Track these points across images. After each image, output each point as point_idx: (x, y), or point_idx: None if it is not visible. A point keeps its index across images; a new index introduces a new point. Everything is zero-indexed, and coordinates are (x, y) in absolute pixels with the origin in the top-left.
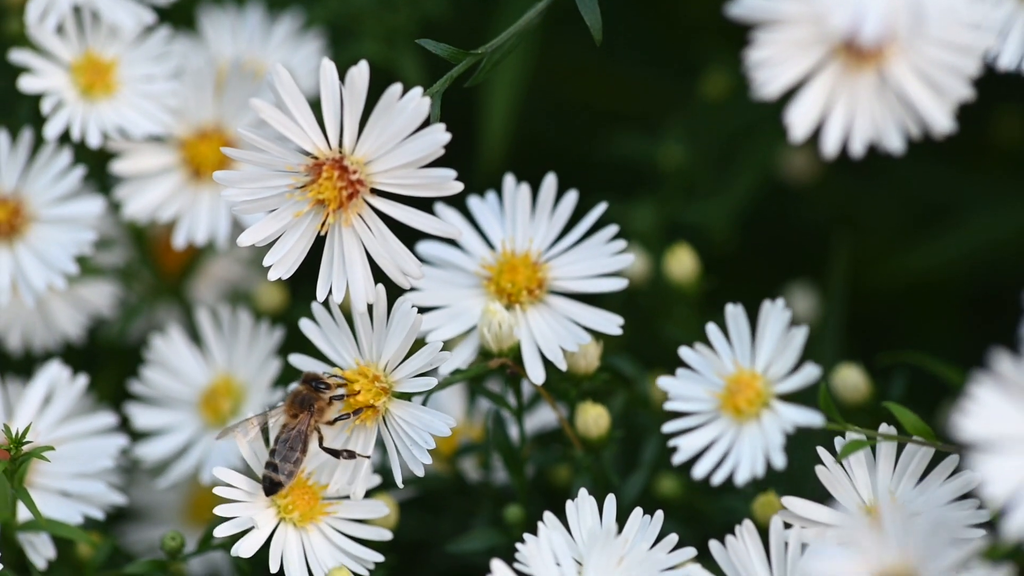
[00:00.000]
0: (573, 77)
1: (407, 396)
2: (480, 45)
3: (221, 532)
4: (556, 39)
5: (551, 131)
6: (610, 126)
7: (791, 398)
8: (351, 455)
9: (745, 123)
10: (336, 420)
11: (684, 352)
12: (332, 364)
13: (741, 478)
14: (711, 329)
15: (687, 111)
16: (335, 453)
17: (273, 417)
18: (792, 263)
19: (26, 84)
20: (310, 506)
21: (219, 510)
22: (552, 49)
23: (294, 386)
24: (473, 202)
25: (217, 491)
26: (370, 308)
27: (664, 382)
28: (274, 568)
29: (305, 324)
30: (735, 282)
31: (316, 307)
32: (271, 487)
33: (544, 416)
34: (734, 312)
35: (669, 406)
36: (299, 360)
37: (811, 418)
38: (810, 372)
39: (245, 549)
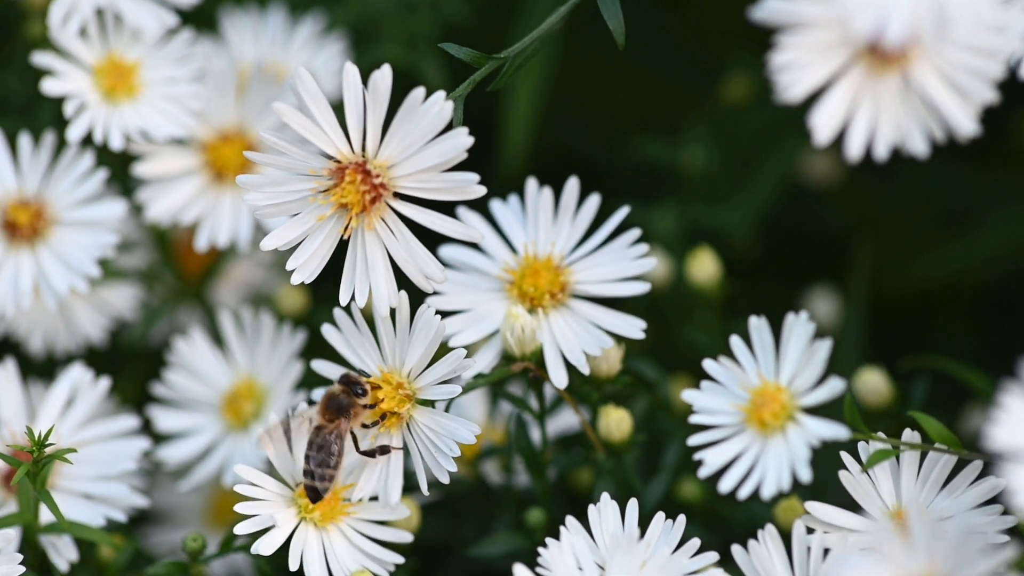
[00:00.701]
0: (595, 80)
1: (431, 403)
2: (502, 49)
3: (241, 530)
4: (578, 42)
5: (573, 134)
6: (632, 129)
7: (816, 410)
8: (385, 450)
9: (767, 126)
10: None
11: (708, 365)
12: (356, 370)
13: (767, 492)
14: (735, 342)
15: (709, 114)
16: (371, 454)
17: (298, 420)
18: (814, 267)
19: (49, 87)
20: (331, 506)
21: (240, 507)
22: (574, 52)
23: (328, 389)
24: (495, 206)
25: (238, 489)
26: (392, 314)
27: (689, 395)
28: (294, 566)
29: (328, 330)
30: (757, 286)
31: (338, 313)
32: (314, 496)
33: (566, 419)
34: (758, 325)
35: (694, 419)
36: (322, 366)
37: (837, 431)
38: (835, 385)
39: (265, 548)
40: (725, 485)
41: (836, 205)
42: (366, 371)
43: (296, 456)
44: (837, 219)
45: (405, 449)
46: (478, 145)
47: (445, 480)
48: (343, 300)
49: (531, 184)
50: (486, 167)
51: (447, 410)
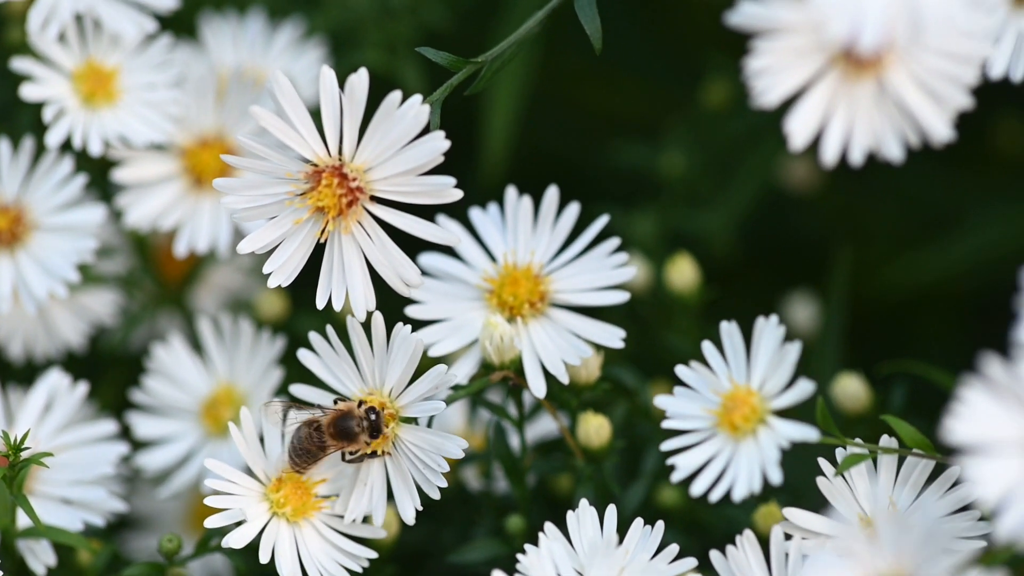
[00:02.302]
0: (575, 83)
1: (414, 420)
2: (480, 54)
3: (212, 523)
4: (558, 45)
5: (552, 137)
6: (612, 133)
7: (790, 413)
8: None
9: (746, 131)
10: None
11: (681, 370)
12: (335, 392)
13: (738, 494)
14: (706, 347)
15: (688, 119)
16: (359, 459)
17: (297, 420)
18: (793, 271)
19: (28, 92)
20: (303, 501)
21: (211, 501)
22: (554, 55)
23: (347, 405)
24: (474, 213)
25: (208, 482)
26: (368, 327)
27: (661, 401)
28: (264, 559)
29: (304, 355)
30: (736, 291)
31: (314, 337)
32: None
33: (545, 426)
34: (729, 329)
35: (667, 424)
36: (302, 390)
37: (807, 433)
38: (804, 387)
39: (235, 541)
40: (697, 488)
41: (815, 210)
42: (345, 393)
43: (269, 448)
44: (816, 224)
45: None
46: (458, 150)
47: (436, 496)
48: (320, 304)
49: (510, 192)
50: (466, 172)
51: (430, 425)
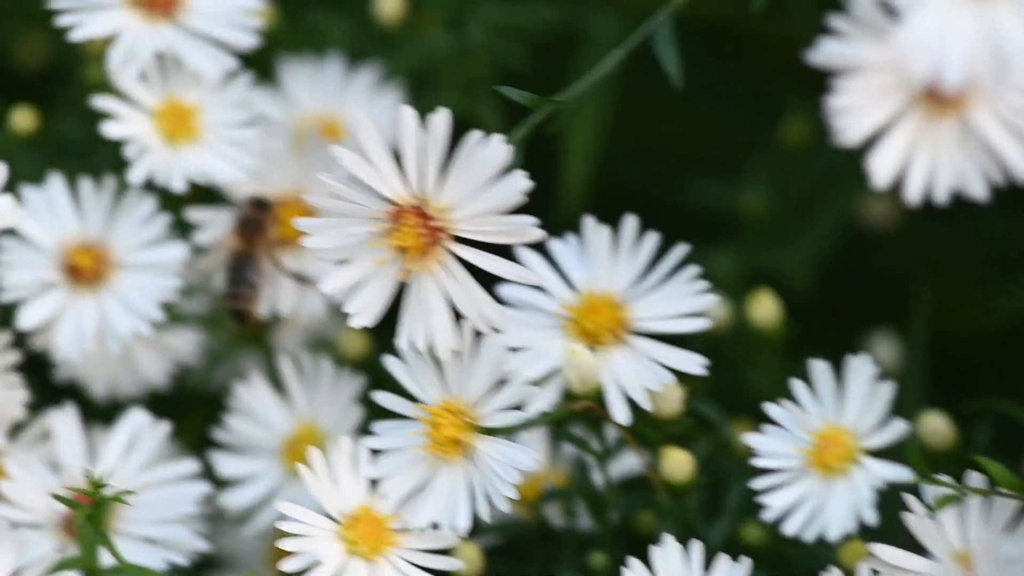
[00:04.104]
0: (652, 119)
1: (492, 432)
2: (558, 92)
3: (287, 568)
4: (635, 81)
5: (629, 173)
6: (690, 170)
7: (879, 452)
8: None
9: (826, 168)
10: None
11: (771, 408)
12: (417, 401)
13: (833, 535)
14: (797, 385)
15: (767, 156)
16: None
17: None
18: (873, 309)
19: (109, 130)
20: (379, 537)
21: (284, 544)
22: (631, 91)
23: (237, 212)
24: (554, 244)
25: (281, 526)
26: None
27: (751, 439)
28: None
29: (390, 361)
30: (817, 329)
31: (402, 345)
32: (240, 318)
33: (628, 462)
34: (820, 368)
35: (757, 463)
36: (385, 398)
37: (901, 473)
38: (898, 427)
39: None
40: (790, 528)
41: (895, 247)
42: (427, 401)
43: (343, 487)
44: (897, 261)
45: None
46: (536, 185)
47: (506, 509)
48: (401, 344)
49: (589, 221)
50: (544, 207)
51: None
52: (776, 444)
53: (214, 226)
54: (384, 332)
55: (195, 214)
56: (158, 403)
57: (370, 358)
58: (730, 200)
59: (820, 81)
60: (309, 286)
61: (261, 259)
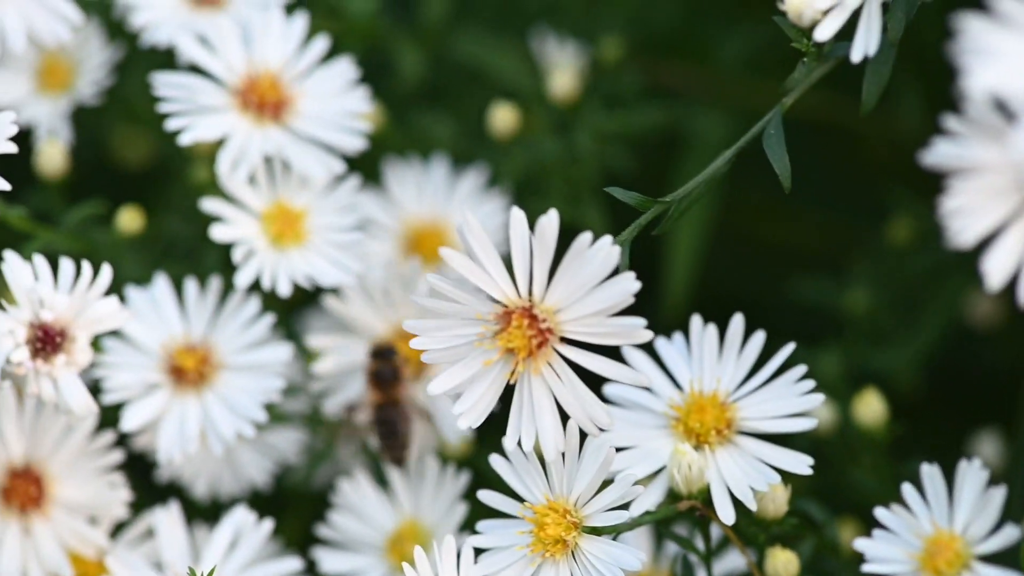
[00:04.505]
0: (755, 217)
1: (597, 531)
2: (661, 193)
3: None
4: (738, 179)
5: (732, 271)
6: (793, 267)
7: (990, 558)
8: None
9: (931, 266)
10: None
11: (880, 513)
12: (521, 500)
13: None
14: (907, 490)
15: (872, 255)
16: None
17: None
18: (979, 407)
19: (218, 233)
20: None
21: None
22: (736, 189)
23: (366, 369)
24: (660, 343)
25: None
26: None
27: (861, 544)
28: None
29: (495, 460)
30: (923, 427)
31: (508, 443)
32: (398, 463)
33: (732, 561)
34: (930, 472)
35: (867, 568)
36: (488, 496)
37: None
38: (1011, 533)
39: None
40: None
41: (1001, 344)
42: (532, 500)
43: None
44: (1002, 358)
45: None
46: (641, 283)
47: None
48: (509, 446)
49: (696, 321)
50: (648, 305)
51: (614, 539)
52: (886, 549)
53: (338, 352)
54: (487, 429)
55: (318, 340)
56: (260, 501)
57: (473, 456)
58: (834, 299)
59: (926, 179)
60: (435, 421)
61: (402, 404)
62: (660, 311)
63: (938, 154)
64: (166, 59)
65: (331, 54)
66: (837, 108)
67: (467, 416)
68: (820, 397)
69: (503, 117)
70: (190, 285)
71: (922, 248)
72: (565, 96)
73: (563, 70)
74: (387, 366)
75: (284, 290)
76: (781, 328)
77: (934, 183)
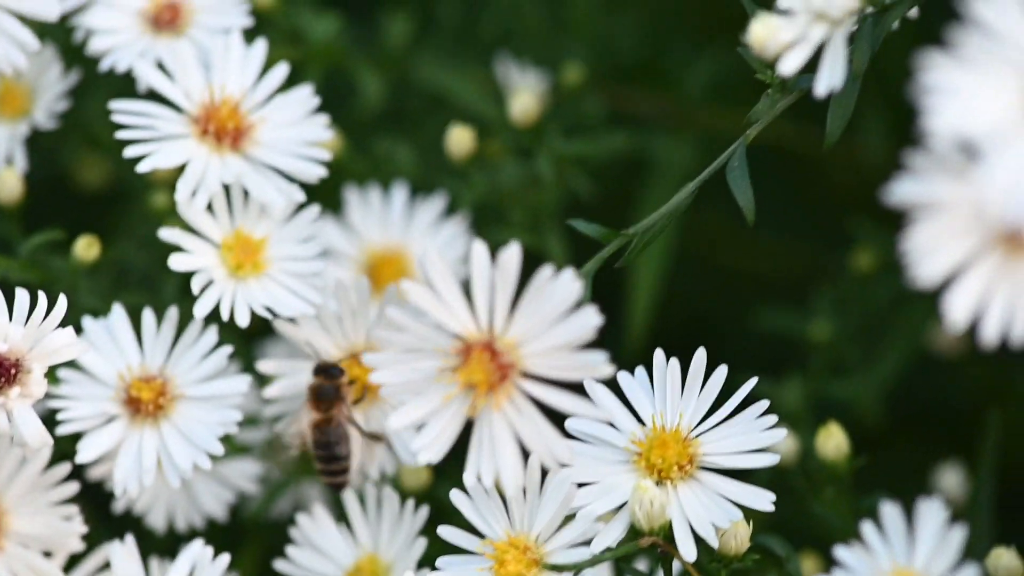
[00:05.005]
0: (718, 242)
1: (558, 568)
2: (626, 221)
3: None
4: (704, 202)
5: (695, 296)
6: (755, 293)
7: None
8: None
9: (895, 297)
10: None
11: (839, 552)
12: (482, 536)
13: None
14: (866, 528)
15: (836, 284)
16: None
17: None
18: (942, 437)
19: (176, 263)
20: None
21: None
22: (700, 212)
23: (309, 385)
24: (623, 377)
25: None
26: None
27: None
28: None
29: (455, 495)
30: (883, 457)
31: (468, 479)
32: (342, 486)
33: None
34: (890, 511)
35: None
36: (448, 532)
37: None
38: (969, 573)
39: None
40: None
41: (964, 374)
42: (492, 536)
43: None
44: (965, 389)
45: None
46: (602, 312)
47: None
48: (468, 481)
49: (658, 356)
50: (612, 333)
51: None
52: None
53: (288, 377)
54: (447, 460)
55: (267, 366)
56: (217, 532)
57: (431, 489)
58: (797, 328)
59: (890, 208)
60: (381, 443)
61: (342, 424)
62: (624, 339)
63: (901, 193)
64: (126, 83)
65: (292, 79)
66: (802, 136)
67: (426, 451)
68: (783, 432)
69: (459, 138)
70: (147, 316)
71: (885, 277)
72: (525, 118)
73: (523, 92)
74: (328, 384)
75: (243, 320)
76: (744, 353)
77: (898, 212)
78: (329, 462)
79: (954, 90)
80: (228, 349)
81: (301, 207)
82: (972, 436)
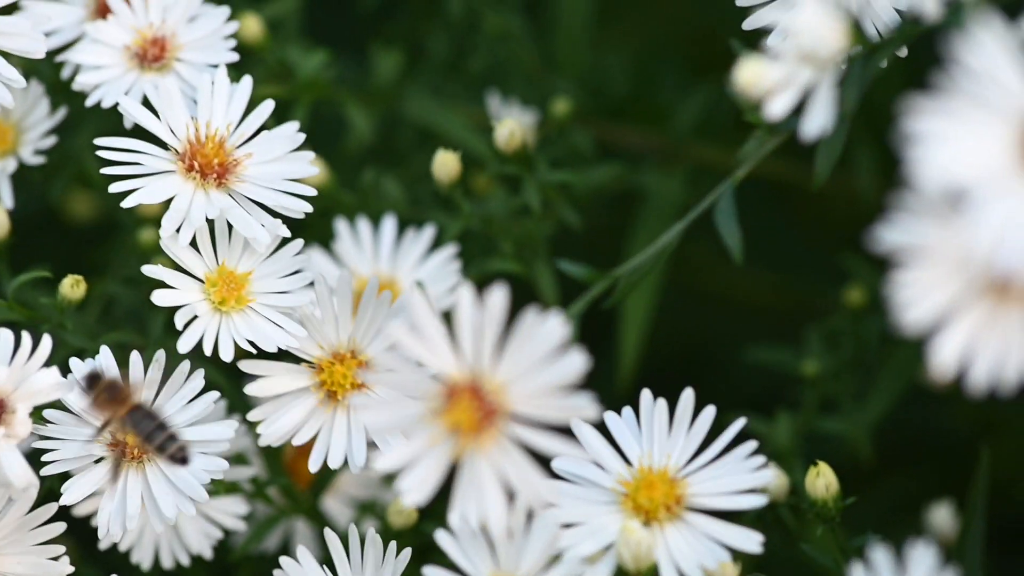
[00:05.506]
0: (711, 273)
1: None
2: (618, 252)
3: None
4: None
5: (689, 325)
6: (749, 324)
7: None
8: None
9: (885, 331)
10: None
11: None
12: None
13: None
14: (856, 572)
15: (827, 319)
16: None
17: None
18: (933, 471)
19: (160, 298)
20: None
21: None
22: (689, 242)
23: (92, 394)
24: (609, 418)
25: None
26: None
27: None
28: None
29: (441, 536)
30: (874, 489)
31: (453, 519)
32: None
33: None
34: (880, 556)
35: None
36: (434, 572)
37: None
38: None
39: None
40: None
41: (956, 408)
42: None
43: None
44: (957, 421)
45: None
46: (593, 345)
47: None
48: (454, 523)
49: (646, 396)
50: (603, 368)
51: None
52: None
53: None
54: (432, 503)
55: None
56: (203, 568)
57: (415, 527)
58: (788, 363)
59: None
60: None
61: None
62: (613, 375)
63: (888, 242)
64: (115, 118)
65: (281, 114)
66: (793, 171)
67: (413, 493)
68: (771, 473)
69: (444, 162)
70: (134, 358)
71: (877, 312)
72: (509, 145)
73: (509, 120)
74: (109, 383)
75: (226, 355)
76: (736, 384)
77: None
78: (160, 431)
79: (940, 137)
80: (214, 395)
81: (286, 242)
82: (964, 468)
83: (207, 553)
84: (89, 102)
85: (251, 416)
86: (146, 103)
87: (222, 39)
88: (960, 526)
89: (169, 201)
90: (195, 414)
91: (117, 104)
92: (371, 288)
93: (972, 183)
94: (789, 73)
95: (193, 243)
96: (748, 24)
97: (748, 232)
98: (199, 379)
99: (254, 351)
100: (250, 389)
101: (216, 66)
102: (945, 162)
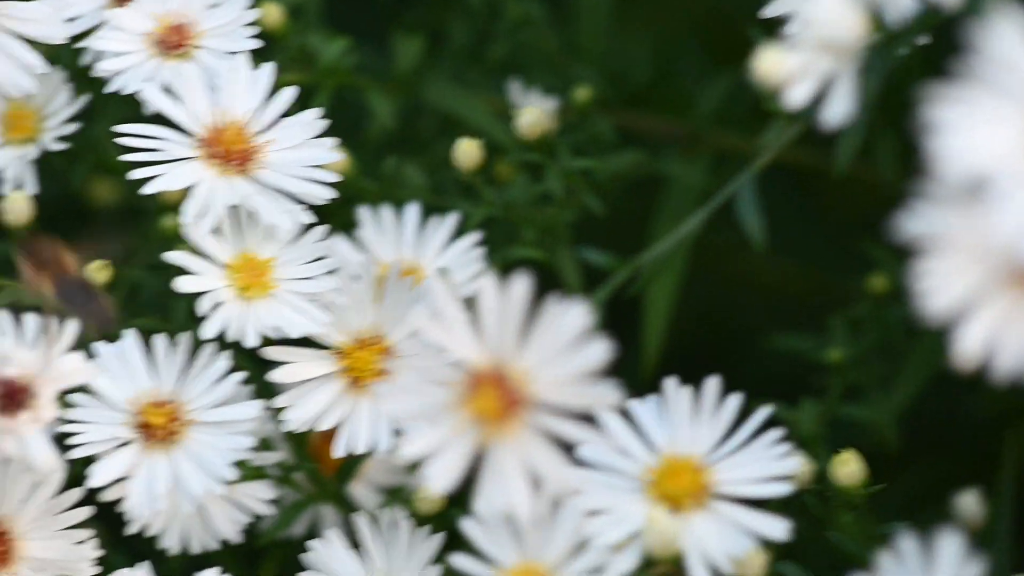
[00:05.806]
0: (736, 260)
1: None
2: (641, 239)
3: None
4: (720, 222)
5: (715, 311)
6: (768, 310)
7: None
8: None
9: (911, 318)
10: None
11: None
12: (493, 564)
13: None
14: (884, 559)
15: (852, 306)
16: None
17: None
18: (961, 456)
19: (183, 285)
20: None
21: None
22: (713, 227)
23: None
24: (634, 405)
25: None
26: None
27: None
28: None
29: (467, 524)
30: (902, 475)
31: (479, 509)
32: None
33: None
34: (908, 543)
35: None
36: (461, 560)
37: None
38: None
39: None
40: None
41: (983, 392)
42: (504, 563)
43: None
44: (985, 406)
45: None
46: (619, 331)
47: None
48: (479, 511)
49: (670, 384)
50: (629, 353)
51: None
52: None
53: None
54: (459, 490)
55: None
56: (231, 553)
57: (444, 514)
58: (813, 351)
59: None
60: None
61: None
62: (637, 362)
63: (908, 231)
64: (135, 104)
65: (303, 101)
66: (815, 157)
67: (437, 480)
68: (797, 461)
69: (466, 150)
70: (159, 341)
71: (900, 297)
72: (532, 132)
73: (531, 108)
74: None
75: (250, 341)
76: (761, 369)
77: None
78: (85, 293)
79: (960, 126)
80: (240, 375)
81: (309, 228)
82: (991, 454)
83: (235, 538)
84: (109, 88)
85: (278, 402)
86: (166, 91)
87: (243, 26)
88: (988, 512)
89: (189, 188)
90: (221, 395)
91: (138, 91)
92: (394, 274)
93: (993, 171)
94: (808, 62)
95: (215, 230)
96: (767, 12)
97: (770, 219)
98: (224, 360)
99: (276, 338)
100: (274, 375)
101: (237, 53)
102: (965, 150)
